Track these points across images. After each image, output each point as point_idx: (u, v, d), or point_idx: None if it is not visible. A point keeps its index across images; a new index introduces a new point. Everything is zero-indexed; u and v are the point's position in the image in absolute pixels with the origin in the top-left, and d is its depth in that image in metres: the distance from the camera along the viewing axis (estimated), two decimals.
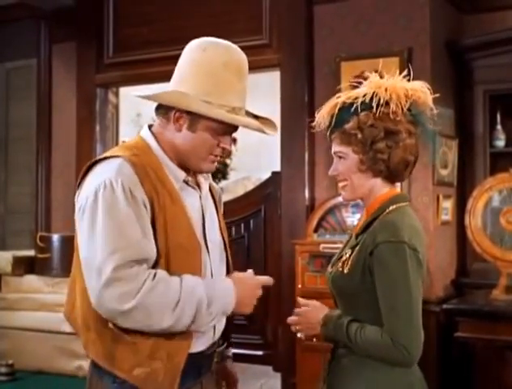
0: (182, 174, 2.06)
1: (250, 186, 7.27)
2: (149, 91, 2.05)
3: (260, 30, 5.18)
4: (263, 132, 2.11)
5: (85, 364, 5.05)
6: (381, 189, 2.08)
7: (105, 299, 1.83)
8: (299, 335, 2.20)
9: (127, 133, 7.66)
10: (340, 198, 4.64)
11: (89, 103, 5.98)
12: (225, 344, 2.27)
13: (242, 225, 6.01)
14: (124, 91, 6.43)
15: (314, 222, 4.70)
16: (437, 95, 2.11)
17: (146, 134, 2.08)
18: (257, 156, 8.21)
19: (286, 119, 5.07)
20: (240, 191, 7.20)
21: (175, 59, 2.12)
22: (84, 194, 1.94)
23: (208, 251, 2.08)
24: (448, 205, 4.84)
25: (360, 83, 2.10)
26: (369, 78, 2.09)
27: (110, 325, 1.93)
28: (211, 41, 2.05)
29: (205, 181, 2.18)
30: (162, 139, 2.05)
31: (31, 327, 5.36)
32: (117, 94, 6.40)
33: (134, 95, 2.12)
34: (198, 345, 2.05)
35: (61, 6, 6.03)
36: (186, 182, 2.07)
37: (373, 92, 2.02)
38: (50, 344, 5.10)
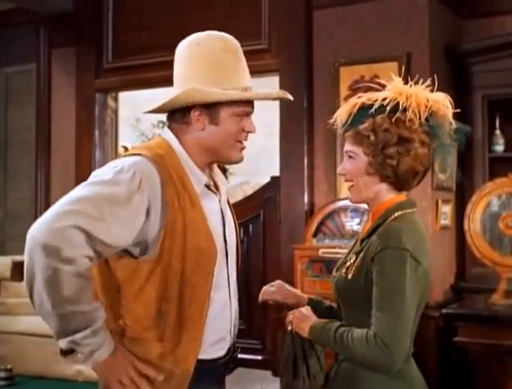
0: (204, 178, 2.05)
1: (249, 191, 7.25)
2: (156, 102, 2.04)
3: (259, 35, 5.18)
4: (285, 98, 2.12)
5: (84, 368, 5.05)
6: (386, 195, 2.07)
7: (41, 234, 1.80)
8: (289, 327, 2.15)
9: (126, 138, 7.67)
10: (339, 203, 4.69)
11: (88, 108, 5.98)
12: (239, 350, 2.23)
13: (241, 230, 6.00)
14: (123, 96, 6.43)
15: (313, 227, 4.69)
16: (459, 110, 2.09)
17: (168, 135, 2.07)
18: (256, 161, 8.20)
19: (285, 124, 5.07)
20: (239, 196, 7.18)
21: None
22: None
23: (227, 254, 2.09)
24: (447, 210, 4.84)
25: (384, 86, 2.09)
26: (392, 82, 2.08)
27: (121, 322, 1.94)
28: (200, 35, 2.06)
29: (222, 184, 2.17)
30: (185, 142, 2.04)
31: (30, 332, 5.37)
32: (116, 99, 6.41)
33: (145, 112, 2.12)
34: (217, 351, 2.05)
35: (60, 12, 6.05)
36: (207, 186, 2.07)
37: (393, 97, 2.02)
38: (49, 348, 5.10)
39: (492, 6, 5.03)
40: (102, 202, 1.84)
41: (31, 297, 1.83)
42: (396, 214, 2.02)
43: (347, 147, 2.09)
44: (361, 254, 2.01)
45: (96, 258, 1.87)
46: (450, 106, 2.06)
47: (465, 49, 4.91)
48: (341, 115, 2.10)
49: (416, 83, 2.08)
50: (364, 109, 2.04)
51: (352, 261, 2.04)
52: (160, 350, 1.94)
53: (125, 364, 1.89)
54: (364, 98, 2.06)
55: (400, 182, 2.05)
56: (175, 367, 1.93)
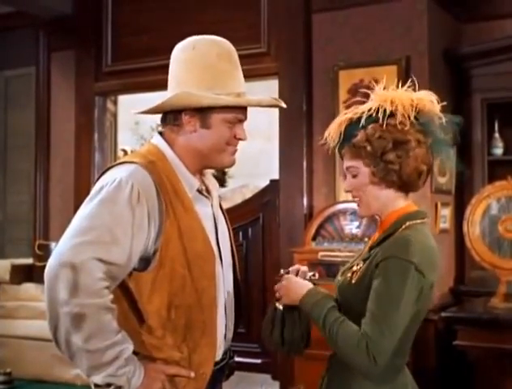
0: (196, 183, 2.04)
1: (248, 194, 7.25)
2: (147, 105, 2.05)
3: (258, 38, 5.19)
4: (277, 105, 2.13)
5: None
6: (395, 200, 2.05)
7: (57, 278, 1.78)
8: (279, 305, 2.11)
9: (125, 141, 7.67)
10: (338, 206, 4.69)
11: (88, 111, 5.99)
12: (235, 356, 2.20)
13: (240, 233, 6.00)
14: (122, 99, 6.43)
15: (313, 230, 4.69)
16: (444, 103, 2.09)
17: (159, 141, 2.06)
18: (255, 164, 8.21)
19: (284, 127, 5.07)
20: (238, 199, 7.18)
21: None
22: (92, 191, 1.93)
23: (221, 259, 2.08)
24: (446, 213, 4.84)
25: (368, 96, 2.09)
26: (375, 90, 2.07)
27: (143, 337, 1.92)
28: (196, 39, 2.06)
29: (214, 188, 2.16)
30: (177, 146, 2.03)
31: (29, 336, 5.36)
32: (115, 102, 6.41)
33: (136, 113, 2.12)
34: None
35: (59, 15, 6.05)
36: (199, 191, 2.06)
37: (379, 105, 2.02)
38: (48, 352, 5.10)
39: (491, 9, 5.04)
40: (111, 224, 1.84)
41: (55, 336, 1.81)
42: (407, 223, 2.01)
43: (347, 163, 2.07)
44: (368, 261, 2.01)
45: (112, 285, 1.86)
46: (435, 101, 2.05)
47: (464, 53, 4.91)
48: (331, 134, 2.09)
49: (402, 86, 2.08)
50: (352, 124, 2.04)
51: (359, 267, 2.04)
52: (180, 355, 1.94)
53: (159, 377, 1.89)
54: (350, 113, 2.06)
55: (406, 185, 2.04)
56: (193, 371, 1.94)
